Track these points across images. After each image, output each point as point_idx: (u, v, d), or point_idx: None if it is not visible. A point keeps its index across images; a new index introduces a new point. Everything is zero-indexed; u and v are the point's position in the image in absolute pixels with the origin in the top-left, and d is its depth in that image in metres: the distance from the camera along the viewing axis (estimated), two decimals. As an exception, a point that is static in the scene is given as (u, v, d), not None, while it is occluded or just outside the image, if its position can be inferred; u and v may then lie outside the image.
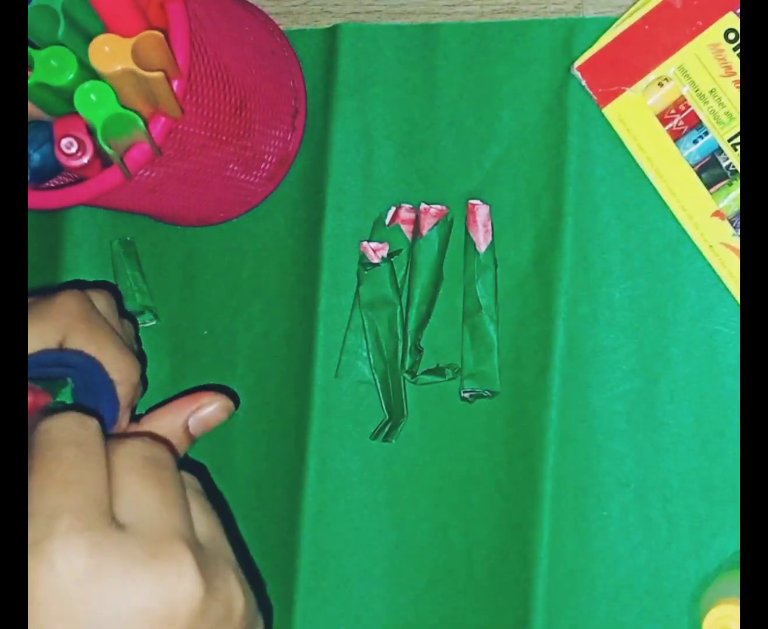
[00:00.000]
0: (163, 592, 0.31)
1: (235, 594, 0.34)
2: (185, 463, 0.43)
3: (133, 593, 0.31)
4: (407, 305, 0.50)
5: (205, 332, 0.54)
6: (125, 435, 0.36)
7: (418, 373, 0.50)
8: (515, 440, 0.49)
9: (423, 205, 0.50)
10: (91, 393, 0.44)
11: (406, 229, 0.51)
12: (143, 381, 0.51)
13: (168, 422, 0.46)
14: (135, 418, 0.47)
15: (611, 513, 0.48)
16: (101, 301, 0.46)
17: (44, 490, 0.32)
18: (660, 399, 0.48)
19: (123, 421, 0.46)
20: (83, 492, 0.32)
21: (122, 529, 0.32)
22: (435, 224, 0.50)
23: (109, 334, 0.45)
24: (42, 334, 0.43)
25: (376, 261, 0.50)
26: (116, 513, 0.33)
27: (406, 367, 0.50)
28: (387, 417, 0.50)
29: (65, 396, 0.45)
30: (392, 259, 0.51)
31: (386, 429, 0.50)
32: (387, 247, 0.51)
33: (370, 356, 0.51)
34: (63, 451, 0.33)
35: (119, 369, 0.44)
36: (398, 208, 0.51)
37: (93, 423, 0.35)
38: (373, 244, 0.51)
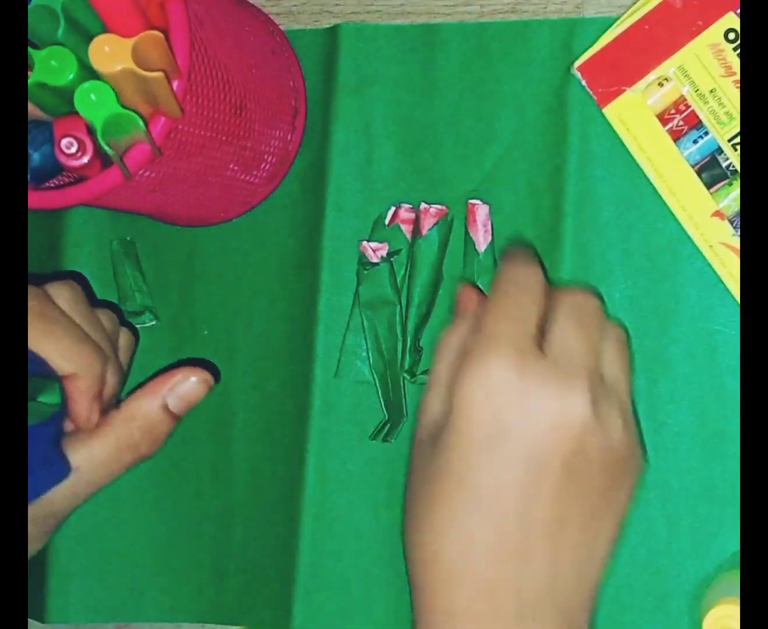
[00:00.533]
0: (562, 409, 0.39)
1: (621, 431, 0.41)
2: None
3: (538, 407, 0.39)
4: (407, 305, 0.50)
5: (206, 332, 0.54)
6: (565, 288, 0.44)
7: (417, 373, 0.50)
8: (515, 440, 0.49)
9: (423, 205, 0.50)
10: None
11: (406, 229, 0.51)
12: (126, 364, 0.50)
13: (145, 404, 0.46)
14: (116, 405, 0.47)
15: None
16: (63, 291, 0.46)
17: (490, 316, 0.41)
18: (660, 399, 0.48)
19: (93, 413, 0.45)
20: (520, 324, 0.41)
21: (545, 357, 0.40)
22: (435, 224, 0.50)
23: (66, 328, 0.45)
24: None
25: (375, 261, 0.50)
26: (544, 344, 0.41)
27: (406, 367, 0.50)
28: (386, 417, 0.50)
29: (54, 396, 0.45)
30: (392, 259, 0.51)
31: (386, 429, 0.50)
32: (386, 247, 0.51)
33: (370, 356, 0.51)
34: (510, 289, 0.42)
35: (77, 362, 0.44)
36: (398, 207, 0.51)
37: (538, 273, 0.43)
38: (373, 244, 0.51)
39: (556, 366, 0.40)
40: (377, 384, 0.50)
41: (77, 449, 0.45)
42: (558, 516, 0.40)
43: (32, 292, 0.44)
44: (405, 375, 0.50)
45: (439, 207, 0.50)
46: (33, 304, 0.44)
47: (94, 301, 0.50)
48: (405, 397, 0.50)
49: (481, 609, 0.40)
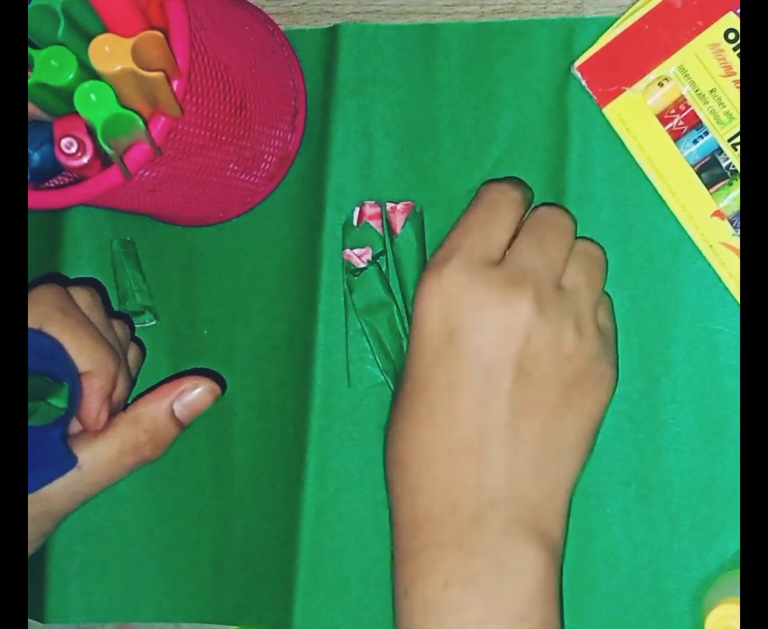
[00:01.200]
0: (507, 313, 0.41)
1: (577, 339, 0.42)
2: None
3: (489, 310, 0.41)
4: (404, 303, 0.50)
5: (205, 332, 0.54)
6: (538, 206, 0.45)
7: None
8: (515, 440, 0.49)
9: (389, 205, 0.50)
10: (55, 374, 0.44)
11: (375, 225, 0.51)
12: (132, 377, 0.51)
13: (152, 409, 0.47)
14: (123, 409, 0.48)
15: (613, 512, 0.48)
16: (83, 296, 0.47)
17: (454, 232, 0.43)
18: (661, 398, 0.48)
19: (102, 413, 0.46)
20: (480, 238, 0.42)
21: (503, 264, 0.42)
22: (406, 220, 0.50)
23: (85, 327, 0.46)
24: None
25: (362, 265, 0.50)
26: (507, 253, 0.42)
27: None
28: None
29: (62, 400, 0.45)
30: (378, 261, 0.51)
31: None
32: (370, 251, 0.51)
33: (378, 360, 0.51)
34: (479, 207, 0.44)
35: (93, 360, 0.45)
36: (362, 206, 0.51)
37: (514, 195, 0.44)
38: (357, 250, 0.51)
39: (506, 274, 0.41)
40: (389, 385, 0.50)
41: (82, 448, 0.46)
42: (512, 418, 0.41)
43: (54, 289, 0.46)
44: None
45: (406, 203, 0.50)
46: (55, 300, 0.45)
47: (110, 311, 0.51)
48: None
49: (439, 511, 0.41)
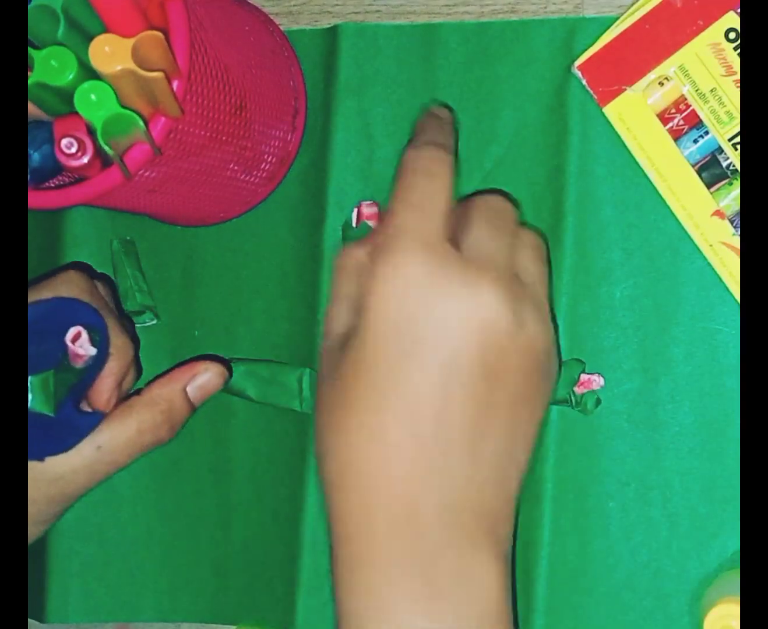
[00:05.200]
0: (474, 306, 0.37)
1: (538, 330, 0.39)
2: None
3: (453, 303, 0.37)
4: None
5: (196, 333, 0.54)
6: (480, 194, 0.42)
7: None
8: (515, 440, 0.49)
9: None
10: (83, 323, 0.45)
11: (374, 225, 0.51)
12: (138, 366, 0.51)
13: (168, 390, 0.48)
14: (137, 391, 0.48)
15: (611, 512, 0.48)
16: (101, 286, 0.49)
17: (396, 208, 0.39)
18: (660, 398, 0.48)
19: (113, 397, 0.47)
20: (428, 215, 0.38)
21: (459, 255, 0.38)
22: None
23: (110, 310, 0.47)
24: (54, 292, 0.45)
25: None
26: (456, 238, 0.39)
27: None
28: None
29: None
30: None
31: None
32: None
33: None
34: (416, 178, 0.39)
35: (114, 343, 0.46)
36: (359, 206, 0.51)
37: (447, 159, 0.40)
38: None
39: (468, 263, 0.38)
40: None
41: (101, 430, 0.46)
42: (475, 414, 0.38)
43: (82, 274, 0.47)
44: None
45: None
46: (83, 283, 0.46)
47: (119, 310, 0.52)
48: None
49: (398, 513, 0.38)
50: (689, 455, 0.47)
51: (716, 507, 0.47)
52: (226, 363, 0.51)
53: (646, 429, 0.48)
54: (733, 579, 0.44)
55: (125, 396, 0.48)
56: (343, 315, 0.41)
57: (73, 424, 0.45)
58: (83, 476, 0.46)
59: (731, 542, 0.47)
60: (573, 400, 0.48)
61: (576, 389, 0.48)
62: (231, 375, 0.51)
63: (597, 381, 0.48)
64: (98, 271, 0.55)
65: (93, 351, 0.45)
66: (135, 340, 0.50)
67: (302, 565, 0.51)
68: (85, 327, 0.45)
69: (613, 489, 0.48)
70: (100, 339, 0.45)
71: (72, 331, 0.44)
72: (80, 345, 0.44)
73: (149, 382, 0.49)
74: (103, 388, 0.46)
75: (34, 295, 0.45)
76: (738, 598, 0.42)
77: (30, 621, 0.55)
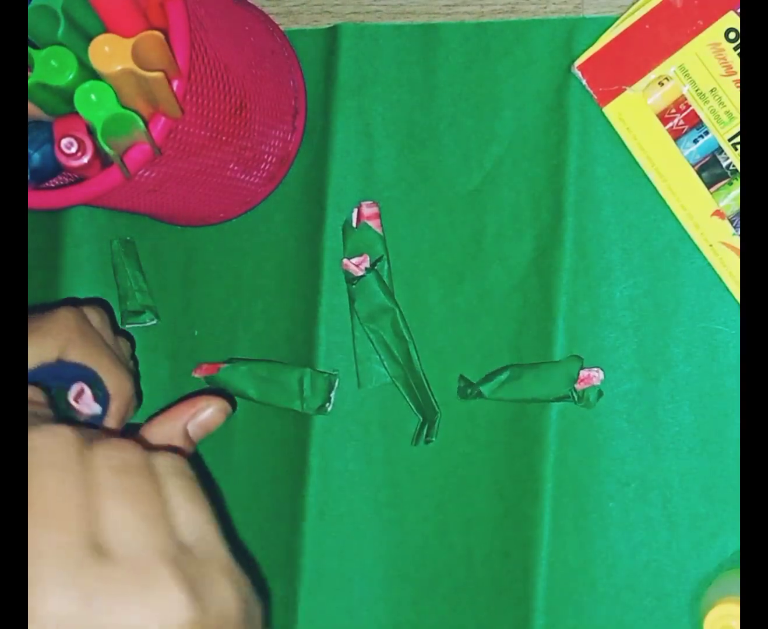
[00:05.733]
0: (154, 622, 0.31)
1: (227, 599, 0.33)
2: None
3: (125, 626, 0.30)
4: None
5: (196, 333, 0.54)
6: (98, 443, 0.33)
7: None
8: (515, 440, 0.49)
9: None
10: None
11: (374, 225, 0.51)
12: (138, 396, 0.51)
13: (168, 429, 0.46)
14: (136, 429, 0.48)
15: (611, 512, 0.48)
16: (94, 316, 0.48)
17: (30, 526, 0.31)
18: (660, 398, 0.48)
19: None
20: (66, 527, 0.31)
21: (106, 558, 0.31)
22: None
23: (103, 349, 0.46)
24: (42, 348, 0.44)
25: (360, 274, 0.50)
26: (98, 537, 0.32)
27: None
28: (421, 418, 0.50)
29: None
30: (377, 266, 0.51)
31: (425, 430, 0.50)
32: (367, 258, 0.51)
33: (386, 366, 0.51)
34: (45, 478, 0.32)
35: (113, 383, 0.46)
36: (359, 207, 0.51)
37: (70, 437, 0.33)
38: (354, 259, 0.51)
39: (125, 566, 0.31)
40: (402, 390, 0.50)
41: None
42: None
43: (73, 312, 0.46)
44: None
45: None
46: (75, 324, 0.45)
47: (115, 328, 0.51)
48: (432, 394, 0.50)
49: None
50: (689, 455, 0.47)
51: (716, 507, 0.47)
52: (229, 398, 0.50)
53: (646, 429, 0.48)
54: (733, 579, 0.44)
55: (127, 427, 0.48)
56: None
57: None
58: None
59: (731, 542, 0.47)
60: (575, 397, 0.48)
61: (577, 386, 0.48)
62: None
63: (597, 376, 0.48)
64: (97, 278, 0.55)
65: (98, 408, 0.44)
66: (134, 370, 0.50)
67: (302, 565, 0.51)
68: (87, 383, 0.44)
69: (613, 489, 0.48)
70: (102, 394, 0.45)
71: (74, 389, 0.44)
72: (85, 403, 0.44)
73: (150, 418, 0.47)
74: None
75: (35, 338, 0.44)
76: (738, 598, 0.42)
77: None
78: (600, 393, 0.48)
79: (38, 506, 0.32)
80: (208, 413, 0.47)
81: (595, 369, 0.48)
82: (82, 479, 0.32)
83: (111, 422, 0.46)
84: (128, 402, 0.47)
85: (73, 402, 0.44)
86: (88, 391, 0.44)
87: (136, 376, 0.51)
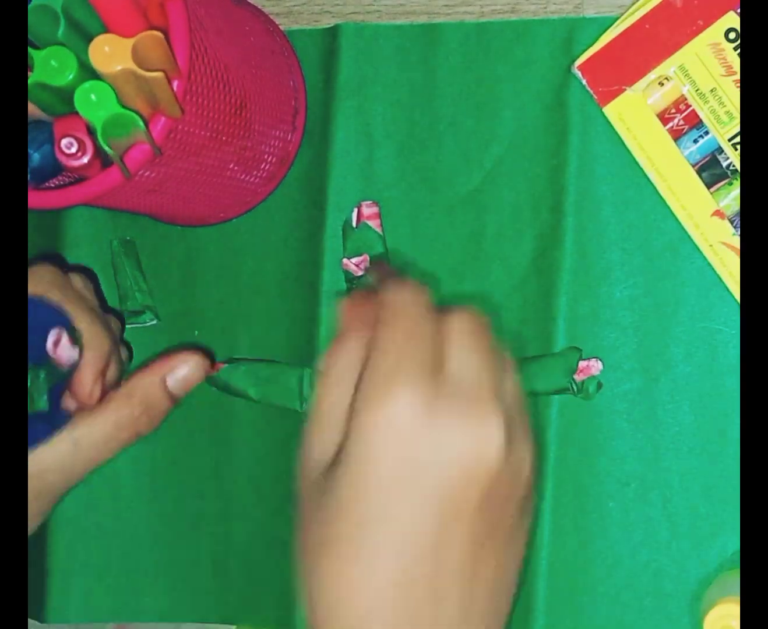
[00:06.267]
0: (475, 449, 0.36)
1: (525, 459, 0.38)
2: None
3: (452, 443, 0.36)
4: None
5: (196, 333, 0.54)
6: (455, 311, 0.40)
7: None
8: (515, 440, 0.49)
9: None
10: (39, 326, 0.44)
11: (374, 225, 0.51)
12: (121, 358, 0.51)
13: (146, 382, 0.47)
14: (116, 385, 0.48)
15: (611, 512, 0.48)
16: (76, 279, 0.48)
17: (387, 355, 0.37)
18: (660, 398, 0.48)
19: (95, 388, 0.46)
20: (419, 352, 0.37)
21: (450, 385, 0.37)
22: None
23: (81, 304, 0.46)
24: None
25: (360, 274, 0.50)
26: (446, 370, 0.37)
27: None
28: None
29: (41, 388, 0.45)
30: None
31: None
32: (367, 258, 0.51)
33: None
34: (400, 322, 0.38)
35: (88, 333, 0.46)
36: (359, 206, 0.51)
37: (426, 295, 0.39)
38: (354, 259, 0.51)
39: (464, 397, 0.37)
40: None
41: (77, 425, 0.46)
42: (472, 558, 0.37)
43: (52, 267, 0.46)
44: None
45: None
46: (52, 276, 0.46)
47: (103, 306, 0.51)
48: None
49: None
50: (689, 455, 0.47)
51: (716, 507, 0.47)
52: (207, 353, 0.50)
53: (646, 429, 0.48)
54: (733, 579, 0.44)
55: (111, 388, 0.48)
56: (327, 440, 0.39)
57: (50, 419, 0.45)
58: (62, 473, 0.46)
59: (731, 542, 0.47)
60: (574, 388, 0.48)
61: (576, 377, 0.48)
62: (213, 365, 0.50)
63: (596, 366, 0.48)
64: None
65: (75, 351, 0.44)
66: (115, 332, 0.49)
67: (302, 565, 0.51)
68: (64, 328, 0.44)
69: (613, 489, 0.48)
70: (79, 340, 0.45)
71: (52, 336, 0.43)
72: (63, 348, 0.43)
73: (129, 374, 0.48)
74: (83, 380, 0.46)
75: None
76: (738, 598, 0.42)
77: (30, 621, 0.55)
78: (599, 385, 0.48)
79: (396, 343, 0.38)
80: (186, 368, 0.48)
81: (594, 359, 0.48)
82: (434, 327, 0.38)
83: (87, 372, 0.46)
84: (104, 356, 0.46)
85: (51, 350, 0.43)
86: (65, 335, 0.44)
87: (116, 339, 0.50)
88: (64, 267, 0.48)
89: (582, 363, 0.48)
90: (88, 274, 0.51)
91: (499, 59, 0.50)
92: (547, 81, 0.49)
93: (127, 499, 0.54)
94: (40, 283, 0.45)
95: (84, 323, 0.46)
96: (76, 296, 0.47)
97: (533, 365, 0.48)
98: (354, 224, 0.51)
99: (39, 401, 0.43)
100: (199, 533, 0.53)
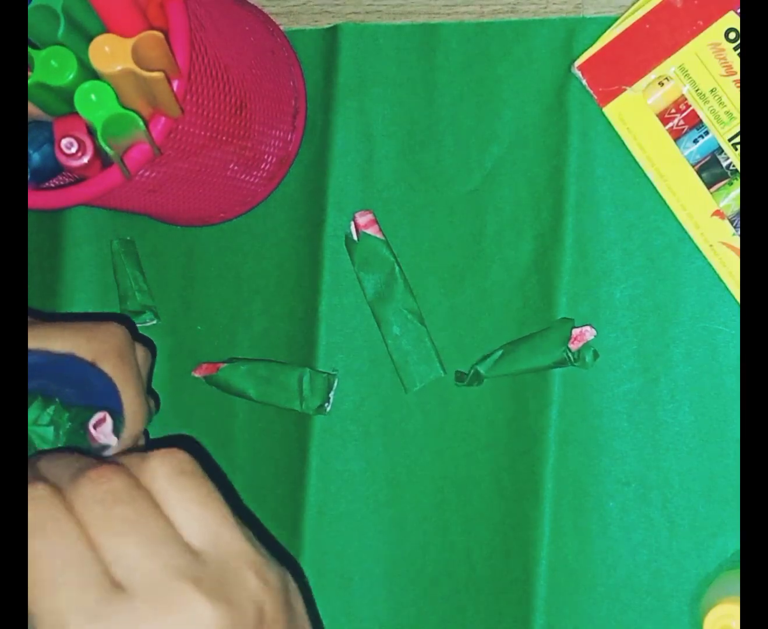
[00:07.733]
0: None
1: (260, 594, 0.33)
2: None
3: None
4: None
5: (199, 327, 0.54)
6: (80, 479, 0.33)
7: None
8: (515, 440, 0.49)
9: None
10: (95, 397, 0.44)
11: (373, 231, 0.51)
12: (155, 400, 0.51)
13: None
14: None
15: (611, 512, 0.48)
16: (141, 352, 0.47)
17: (40, 592, 0.31)
18: (660, 398, 0.48)
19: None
20: (75, 581, 0.31)
21: (124, 593, 0.31)
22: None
23: (135, 379, 0.45)
24: (73, 344, 0.43)
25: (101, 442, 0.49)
26: (111, 575, 0.31)
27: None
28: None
29: (48, 416, 0.45)
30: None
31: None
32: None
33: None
34: (38, 547, 0.32)
35: (129, 412, 0.45)
36: (355, 219, 0.51)
37: (46, 494, 0.32)
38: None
39: (143, 595, 0.31)
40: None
41: None
42: None
43: (121, 332, 0.45)
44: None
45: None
46: (117, 342, 0.44)
47: (135, 336, 0.49)
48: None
49: None
50: (689, 455, 0.47)
51: (716, 507, 0.47)
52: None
53: (646, 428, 0.48)
54: (733, 579, 0.44)
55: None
56: None
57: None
58: None
59: (731, 542, 0.47)
60: (571, 358, 0.48)
61: (571, 345, 0.48)
62: (214, 365, 0.50)
63: (589, 332, 0.48)
64: (97, 278, 0.55)
65: (114, 441, 0.43)
66: (152, 411, 0.49)
67: (303, 565, 0.51)
68: (110, 413, 0.43)
69: (613, 489, 0.48)
70: (121, 426, 0.44)
71: (97, 416, 0.43)
72: (103, 432, 0.43)
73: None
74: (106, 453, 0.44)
75: (70, 333, 0.43)
76: (738, 598, 0.42)
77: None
78: (596, 354, 0.48)
79: (42, 573, 0.31)
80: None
81: (587, 326, 0.48)
82: (74, 530, 0.32)
83: (114, 450, 0.44)
84: (134, 439, 0.46)
85: (91, 429, 0.43)
86: (110, 421, 0.43)
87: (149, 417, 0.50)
88: (134, 334, 0.48)
89: (575, 331, 0.48)
90: (151, 348, 0.50)
91: (499, 59, 0.50)
92: (547, 81, 0.49)
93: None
94: (100, 346, 0.43)
95: (128, 400, 0.44)
96: (132, 369, 0.45)
97: (529, 342, 0.48)
98: (354, 237, 0.51)
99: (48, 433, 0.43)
100: (199, 533, 0.53)
